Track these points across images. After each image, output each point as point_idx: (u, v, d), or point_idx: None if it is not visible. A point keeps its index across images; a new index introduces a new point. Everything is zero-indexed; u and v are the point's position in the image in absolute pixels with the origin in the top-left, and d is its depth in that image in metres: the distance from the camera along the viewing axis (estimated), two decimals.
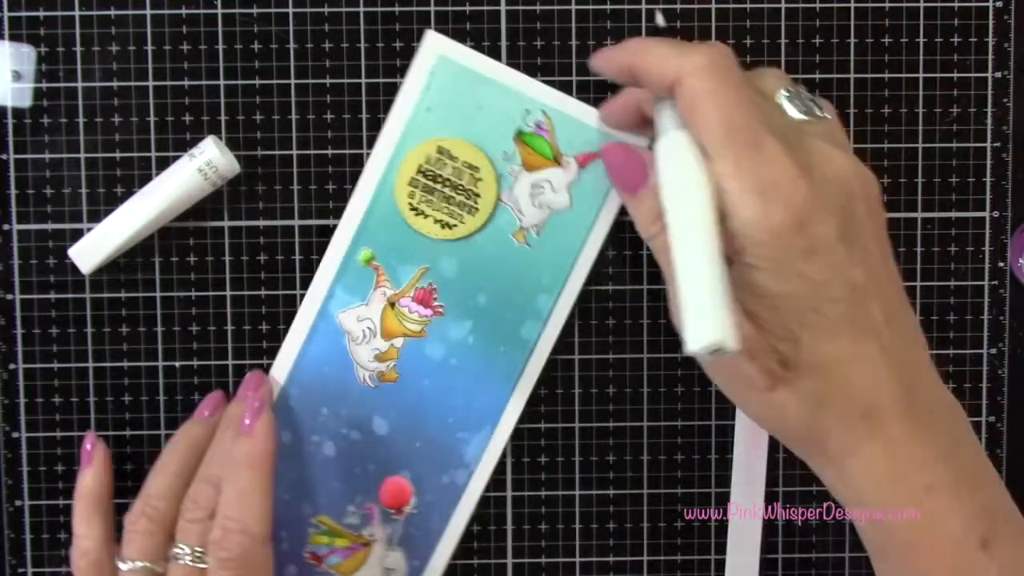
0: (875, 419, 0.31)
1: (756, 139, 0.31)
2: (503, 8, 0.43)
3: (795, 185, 0.31)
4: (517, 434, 0.44)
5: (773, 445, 0.44)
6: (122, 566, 0.37)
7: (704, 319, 0.29)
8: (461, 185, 0.41)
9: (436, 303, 0.43)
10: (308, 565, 0.43)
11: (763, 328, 0.32)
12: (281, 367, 0.43)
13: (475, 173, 0.41)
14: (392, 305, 0.42)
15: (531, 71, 0.42)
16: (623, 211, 0.42)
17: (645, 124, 0.39)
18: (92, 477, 0.40)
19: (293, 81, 0.43)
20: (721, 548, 0.45)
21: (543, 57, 0.42)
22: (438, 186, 0.41)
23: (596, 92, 0.43)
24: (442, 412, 0.43)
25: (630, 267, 0.43)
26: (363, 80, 0.43)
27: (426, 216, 0.42)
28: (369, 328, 0.42)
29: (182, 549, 0.37)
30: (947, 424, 0.32)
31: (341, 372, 0.43)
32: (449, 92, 0.42)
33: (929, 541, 0.31)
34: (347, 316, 0.42)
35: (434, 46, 0.42)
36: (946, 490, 0.31)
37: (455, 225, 0.42)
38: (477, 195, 0.42)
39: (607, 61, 0.37)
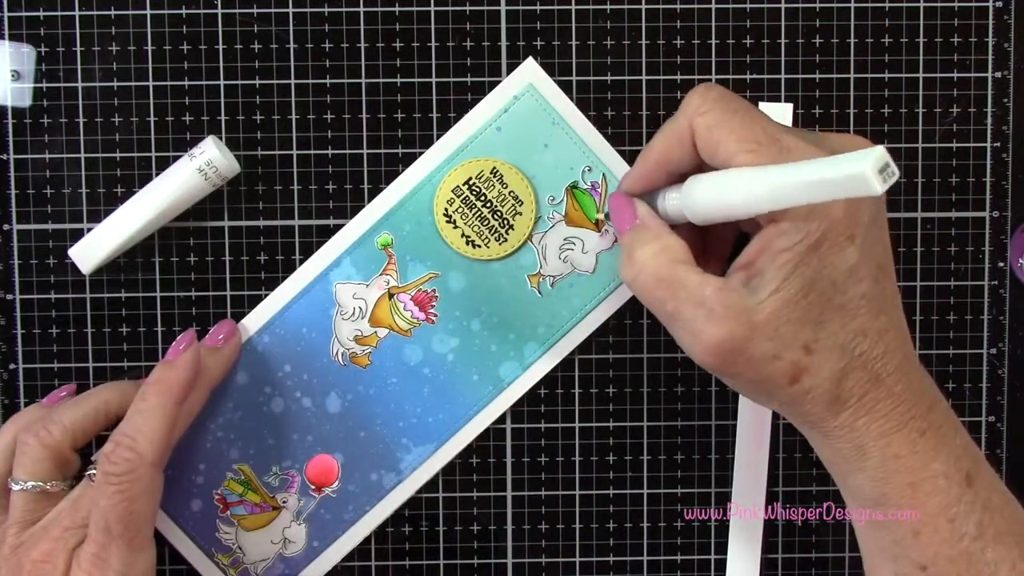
0: (884, 382, 0.34)
1: (777, 140, 0.33)
2: (503, 8, 0.43)
3: None
4: (517, 434, 0.44)
5: (773, 445, 0.44)
6: (13, 486, 0.39)
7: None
8: (500, 211, 0.42)
9: (432, 310, 0.43)
10: (213, 506, 0.43)
11: (787, 322, 0.33)
12: (263, 312, 0.43)
13: (517, 205, 0.42)
14: (391, 296, 0.43)
15: (602, 125, 0.42)
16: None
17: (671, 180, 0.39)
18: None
19: (293, 81, 0.43)
20: (721, 548, 0.45)
21: (543, 57, 0.42)
22: (479, 204, 0.42)
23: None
24: (396, 413, 0.43)
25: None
26: (363, 80, 0.43)
27: (456, 227, 0.42)
28: (360, 308, 0.43)
29: (92, 469, 0.39)
30: (928, 379, 0.35)
31: (318, 339, 0.43)
32: (524, 121, 0.42)
33: (924, 478, 0.34)
34: (344, 288, 0.43)
35: (528, 73, 0.42)
36: (933, 433, 0.34)
37: (480, 246, 0.42)
38: (511, 227, 0.42)
39: (634, 183, 0.38)
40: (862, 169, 0.27)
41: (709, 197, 0.34)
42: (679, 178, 0.36)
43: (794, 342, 0.33)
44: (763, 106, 0.43)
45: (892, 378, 0.34)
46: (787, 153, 0.33)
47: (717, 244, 0.40)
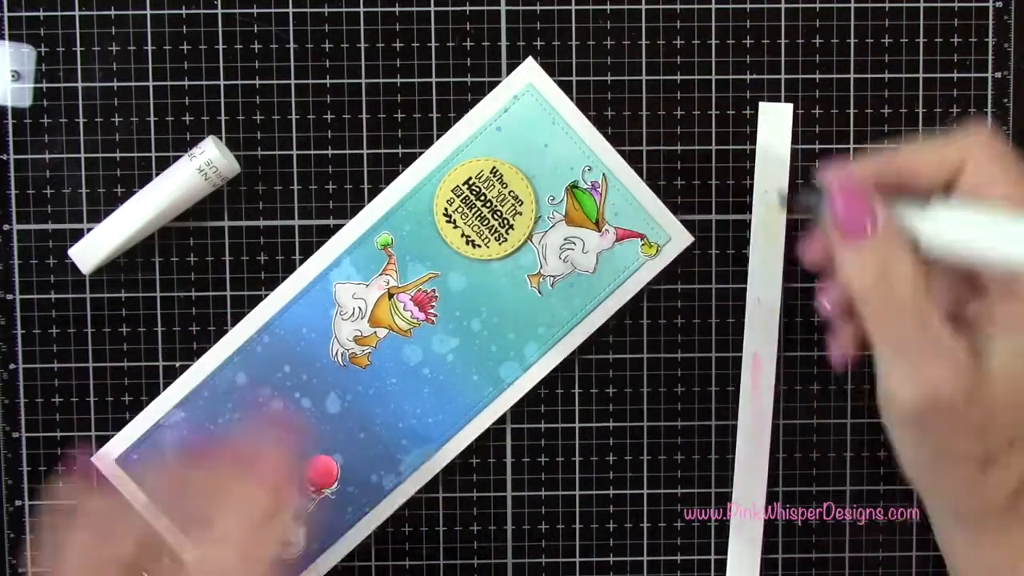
0: None
1: None
2: (503, 8, 0.43)
3: None
4: (517, 434, 0.44)
5: (773, 446, 0.44)
6: None
7: None
8: (500, 211, 0.42)
9: (432, 311, 0.43)
10: None
11: (1010, 406, 0.31)
12: (263, 311, 0.43)
13: (517, 205, 0.42)
14: (390, 296, 0.43)
15: (601, 125, 0.42)
16: (638, 297, 0.42)
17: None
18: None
19: (293, 81, 0.43)
20: (721, 548, 0.45)
21: (543, 57, 0.42)
22: (479, 204, 0.42)
23: (650, 162, 0.43)
24: (396, 414, 0.43)
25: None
26: (363, 80, 0.43)
27: (456, 227, 0.42)
28: (360, 308, 0.43)
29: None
30: None
31: (318, 339, 0.43)
32: (524, 121, 0.42)
33: None
34: (344, 288, 0.43)
35: (528, 74, 0.42)
36: None
37: (480, 246, 0.42)
38: (511, 227, 0.42)
39: (863, 175, 0.33)
40: None
41: (965, 231, 0.31)
42: (893, 193, 0.32)
43: (1002, 430, 0.31)
44: (763, 106, 0.43)
45: None
46: None
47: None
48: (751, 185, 0.43)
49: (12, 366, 0.43)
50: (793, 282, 0.43)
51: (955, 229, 0.31)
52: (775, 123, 0.43)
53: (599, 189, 0.42)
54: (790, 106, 0.43)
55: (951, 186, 0.32)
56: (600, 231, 0.43)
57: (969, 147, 0.32)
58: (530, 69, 0.42)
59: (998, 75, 0.43)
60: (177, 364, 0.43)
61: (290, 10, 0.42)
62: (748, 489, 0.44)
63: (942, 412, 0.30)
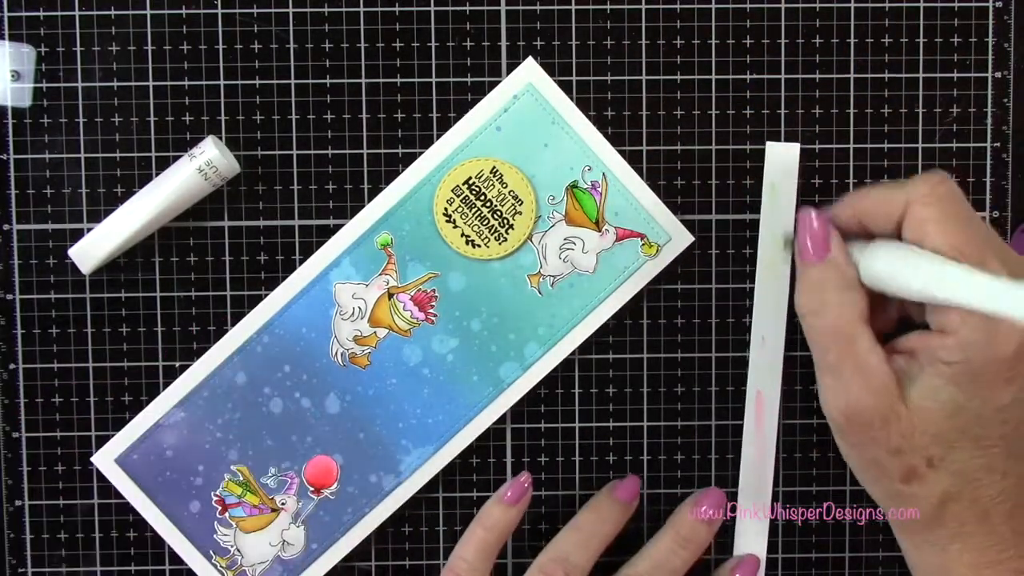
0: (990, 520, 0.34)
1: (984, 259, 0.33)
2: (503, 8, 0.43)
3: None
4: (517, 434, 0.44)
5: (776, 446, 0.44)
6: None
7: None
8: (500, 211, 0.42)
9: (431, 310, 0.43)
10: (212, 507, 0.43)
11: (922, 432, 0.33)
12: (262, 312, 0.43)
13: (517, 205, 0.42)
14: (390, 296, 0.43)
15: (601, 124, 0.42)
16: (638, 297, 0.42)
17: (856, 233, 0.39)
18: (512, 516, 0.41)
19: (293, 81, 0.43)
20: (721, 548, 0.45)
21: (543, 57, 0.42)
22: (479, 203, 0.42)
23: (650, 162, 0.43)
24: (396, 414, 0.43)
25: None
26: (363, 80, 0.43)
27: (456, 226, 0.42)
28: (360, 308, 0.43)
29: None
30: None
31: (317, 339, 0.43)
32: (524, 120, 0.42)
33: None
34: (343, 288, 0.43)
35: (528, 73, 0.42)
36: None
37: (479, 246, 0.42)
38: (511, 226, 0.42)
39: (832, 213, 0.38)
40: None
41: (892, 266, 0.34)
42: (864, 235, 0.37)
43: (921, 451, 0.34)
44: (770, 146, 0.43)
45: (1000, 519, 0.34)
46: (995, 263, 0.33)
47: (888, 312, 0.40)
48: (751, 185, 0.43)
49: (12, 366, 0.43)
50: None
51: (883, 262, 0.35)
52: (782, 163, 0.42)
53: (599, 189, 0.42)
54: (797, 146, 0.43)
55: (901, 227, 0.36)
56: (600, 231, 0.43)
57: (910, 197, 0.35)
58: (530, 69, 0.42)
59: (998, 75, 0.43)
60: (177, 364, 0.43)
61: (290, 10, 0.42)
62: (756, 491, 0.44)
63: (862, 427, 0.34)
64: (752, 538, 0.44)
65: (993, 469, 0.34)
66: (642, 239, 0.42)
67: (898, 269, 0.34)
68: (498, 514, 0.41)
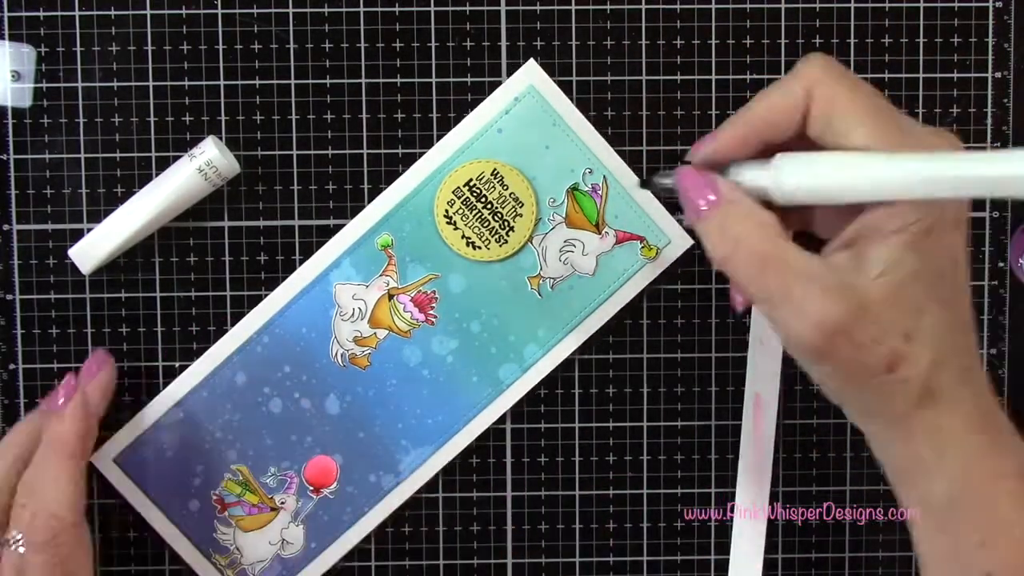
0: (972, 378, 0.33)
1: (901, 126, 0.32)
2: (503, 8, 0.43)
3: None
4: (517, 434, 0.44)
5: (774, 445, 0.44)
6: None
7: None
8: (500, 213, 0.42)
9: (432, 312, 0.43)
10: (211, 506, 0.43)
11: (894, 307, 0.32)
12: (262, 312, 0.43)
13: (518, 207, 0.42)
14: (390, 297, 0.43)
15: (600, 126, 0.42)
16: (638, 298, 0.42)
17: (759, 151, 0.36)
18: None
19: (293, 81, 0.43)
20: (721, 548, 0.45)
21: (543, 57, 0.42)
22: (479, 205, 0.42)
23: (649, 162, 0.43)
24: (395, 415, 0.43)
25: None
26: (363, 80, 0.43)
27: (456, 228, 0.42)
28: (360, 309, 0.43)
29: (14, 536, 0.38)
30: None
31: (317, 339, 0.43)
32: (525, 122, 0.42)
33: (1000, 477, 0.33)
34: (343, 289, 0.43)
35: (530, 75, 0.42)
36: (1008, 433, 0.33)
37: (480, 248, 0.42)
38: (511, 228, 0.42)
39: (721, 148, 0.35)
40: None
41: (820, 177, 0.32)
42: (759, 154, 0.34)
43: (896, 328, 0.32)
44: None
45: (975, 372, 0.33)
46: (909, 137, 0.32)
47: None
48: None
49: (12, 366, 0.43)
50: None
51: (813, 175, 0.32)
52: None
53: (599, 191, 0.42)
54: None
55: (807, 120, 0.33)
56: (600, 233, 0.43)
57: (806, 82, 0.33)
58: (531, 71, 0.42)
59: (998, 75, 0.43)
60: (177, 364, 0.43)
61: (290, 10, 0.42)
62: (754, 490, 0.44)
63: (837, 334, 0.32)
64: (750, 539, 0.44)
65: (959, 322, 0.33)
66: (642, 242, 0.42)
67: (831, 177, 0.32)
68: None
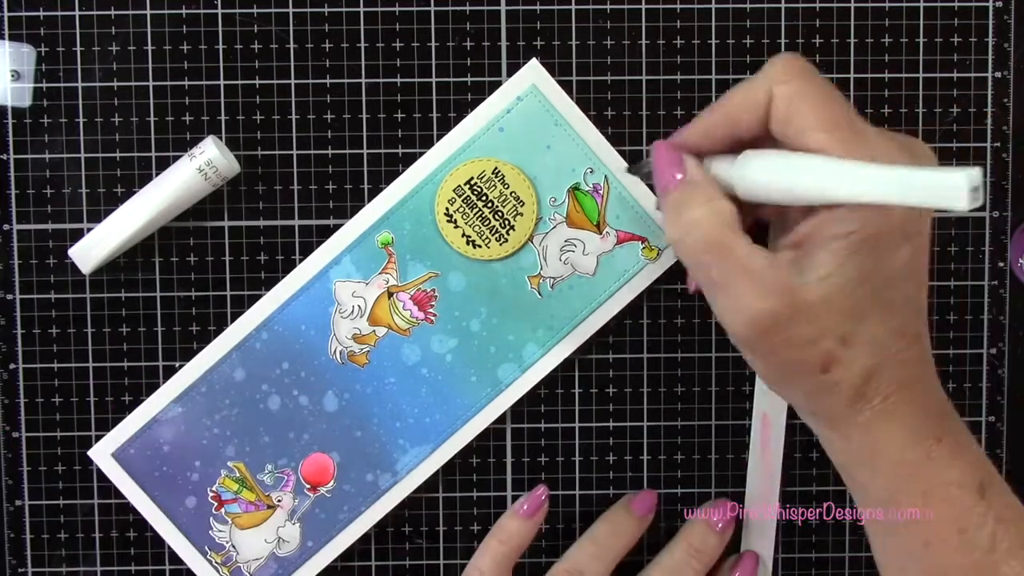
0: (910, 386, 0.34)
1: (855, 128, 0.32)
2: (503, 8, 0.43)
3: None
4: (517, 434, 0.44)
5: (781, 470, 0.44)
6: None
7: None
8: (501, 212, 0.42)
9: (431, 310, 0.43)
10: (208, 503, 0.43)
11: (831, 310, 0.32)
12: (262, 308, 0.43)
13: (519, 206, 0.42)
14: (390, 295, 0.43)
15: (602, 125, 0.42)
16: (638, 298, 0.42)
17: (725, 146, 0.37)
18: (528, 529, 0.42)
19: (293, 81, 0.43)
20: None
21: (543, 57, 0.42)
22: (480, 204, 0.42)
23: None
24: (393, 413, 0.43)
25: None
26: (363, 80, 0.43)
27: (457, 226, 0.42)
28: (359, 306, 0.43)
29: None
30: (942, 389, 0.35)
31: (316, 336, 0.43)
32: (527, 122, 0.42)
33: (937, 486, 0.33)
34: (343, 287, 0.43)
35: (532, 74, 0.42)
36: (949, 440, 0.34)
37: (480, 246, 0.42)
38: (512, 227, 0.42)
39: (691, 137, 0.36)
40: (961, 184, 0.28)
41: (775, 175, 0.33)
42: (729, 148, 0.35)
43: (833, 331, 0.32)
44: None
45: (917, 382, 0.34)
46: (863, 140, 0.32)
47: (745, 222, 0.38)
48: None
49: (12, 366, 0.43)
50: None
51: (766, 172, 0.33)
52: None
53: (601, 191, 0.42)
54: None
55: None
56: (601, 233, 0.43)
57: (769, 81, 0.33)
58: (534, 70, 0.42)
59: (998, 75, 0.43)
60: (177, 364, 0.43)
61: (290, 10, 0.42)
62: (764, 489, 0.44)
63: (770, 330, 0.32)
64: (756, 544, 0.44)
65: (905, 332, 0.33)
66: (643, 243, 0.42)
67: (784, 175, 0.32)
68: (514, 527, 0.41)
